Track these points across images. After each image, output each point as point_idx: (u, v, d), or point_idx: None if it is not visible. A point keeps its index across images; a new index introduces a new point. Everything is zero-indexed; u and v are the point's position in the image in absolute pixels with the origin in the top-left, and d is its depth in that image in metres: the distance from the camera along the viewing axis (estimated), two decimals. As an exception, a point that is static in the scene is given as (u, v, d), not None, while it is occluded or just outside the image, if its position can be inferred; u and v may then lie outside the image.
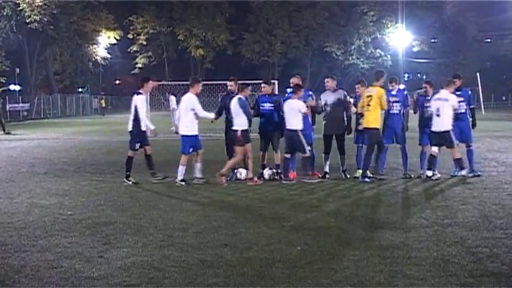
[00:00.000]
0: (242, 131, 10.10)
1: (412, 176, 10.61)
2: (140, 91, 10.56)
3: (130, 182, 10.26)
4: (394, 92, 10.79)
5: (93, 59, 64.56)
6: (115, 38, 65.84)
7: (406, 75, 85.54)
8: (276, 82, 23.24)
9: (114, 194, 9.22)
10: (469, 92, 11.01)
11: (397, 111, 10.63)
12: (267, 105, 10.71)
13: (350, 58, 71.42)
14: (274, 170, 10.71)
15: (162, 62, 74.01)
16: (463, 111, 10.66)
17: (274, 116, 10.66)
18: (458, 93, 10.66)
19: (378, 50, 71.06)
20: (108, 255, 5.68)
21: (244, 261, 5.42)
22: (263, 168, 10.83)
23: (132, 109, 10.38)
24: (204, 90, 37.03)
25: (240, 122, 10.10)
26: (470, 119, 10.88)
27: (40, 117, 48.43)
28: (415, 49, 67.15)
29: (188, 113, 10.23)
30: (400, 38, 63.31)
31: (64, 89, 59.97)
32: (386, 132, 10.75)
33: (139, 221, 7.17)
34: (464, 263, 5.27)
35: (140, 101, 10.37)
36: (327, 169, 10.70)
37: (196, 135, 10.39)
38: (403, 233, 6.43)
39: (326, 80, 11.08)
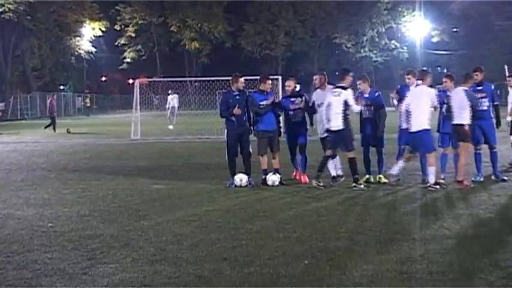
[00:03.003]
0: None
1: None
2: None
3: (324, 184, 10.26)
4: (412, 87, 10.77)
5: (76, 53, 64.77)
6: (100, 29, 66.05)
7: (425, 68, 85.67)
8: (280, 78, 23.43)
9: (101, 203, 9.22)
10: (492, 87, 10.93)
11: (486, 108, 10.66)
12: (266, 103, 10.75)
13: (362, 50, 71.49)
14: (278, 175, 10.72)
15: (153, 57, 74.27)
16: (485, 108, 10.62)
17: (273, 115, 10.78)
18: (479, 88, 10.65)
19: (392, 41, 71.10)
20: (94, 272, 5.68)
21: (245, 277, 5.42)
22: (265, 174, 10.83)
23: None
24: (200, 88, 37.26)
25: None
26: (495, 117, 10.83)
27: (17, 118, 48.58)
28: (435, 40, 67.01)
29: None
30: (417, 28, 63.37)
31: (43, 87, 60.00)
32: (403, 133, 10.74)
33: (129, 233, 7.18)
34: (492, 279, 5.26)
35: None
36: (334, 173, 10.70)
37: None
38: (422, 245, 6.42)
39: (314, 77, 11.20)
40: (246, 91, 11.12)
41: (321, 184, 10.22)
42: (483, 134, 10.64)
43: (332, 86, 10.84)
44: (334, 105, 10.21)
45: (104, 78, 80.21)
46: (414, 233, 6.96)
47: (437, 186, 9.88)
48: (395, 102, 10.94)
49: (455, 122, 10.16)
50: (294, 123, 11.01)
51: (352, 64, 72.81)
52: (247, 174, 10.74)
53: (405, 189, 10.16)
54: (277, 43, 72.04)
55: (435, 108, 10.39)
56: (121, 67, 71.83)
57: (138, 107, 25.12)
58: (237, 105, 10.58)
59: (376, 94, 11.05)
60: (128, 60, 72.09)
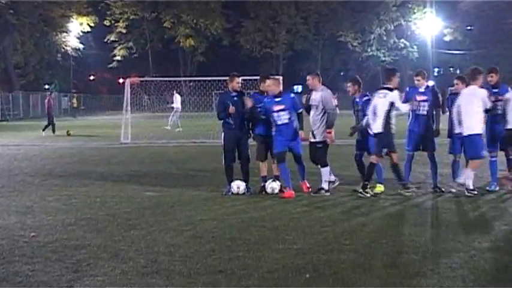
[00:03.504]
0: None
1: (444, 189, 10.60)
2: None
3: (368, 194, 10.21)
4: (422, 90, 10.79)
5: (62, 49, 64.84)
6: (88, 25, 66.18)
7: (436, 69, 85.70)
8: (281, 78, 23.41)
9: (87, 211, 9.21)
10: (509, 89, 10.90)
11: (425, 112, 10.63)
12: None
13: (369, 49, 71.63)
14: (278, 183, 10.72)
15: (144, 54, 74.33)
16: (500, 112, 10.64)
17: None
18: (495, 90, 10.67)
19: (402, 40, 71.25)
20: (79, 285, 5.68)
21: (242, 292, 5.41)
22: (264, 181, 10.83)
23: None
24: (195, 88, 37.31)
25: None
26: None
27: (-2, 120, 48.48)
28: (447, 38, 67.13)
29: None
30: (428, 26, 63.51)
31: (27, 86, 60.00)
32: (412, 137, 10.76)
33: (118, 244, 7.17)
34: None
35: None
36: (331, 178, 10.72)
37: None
38: (432, 258, 6.41)
39: (307, 78, 11.21)
40: (244, 92, 11.13)
41: (369, 193, 10.23)
42: (495, 140, 10.65)
43: (323, 87, 10.77)
44: (379, 108, 10.24)
45: (92, 77, 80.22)
46: (424, 245, 6.96)
47: (475, 192, 9.96)
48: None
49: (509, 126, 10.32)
50: (281, 126, 10.62)
51: (358, 64, 73.14)
52: (245, 181, 10.74)
53: (415, 198, 10.16)
54: (278, 41, 72.15)
55: (487, 110, 10.31)
56: (110, 65, 71.80)
57: (129, 108, 25.13)
58: (230, 105, 10.60)
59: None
60: (118, 58, 72.08)
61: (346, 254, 6.59)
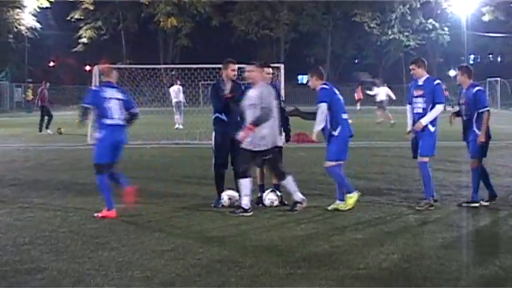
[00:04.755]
0: None
1: (463, 203, 10.67)
2: None
3: None
4: (420, 82, 10.77)
5: (15, 29, 64.54)
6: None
7: (472, 56, 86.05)
8: (282, 66, 23.44)
9: (45, 228, 9.20)
10: None
11: (420, 111, 10.58)
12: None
13: (389, 32, 71.84)
14: (279, 193, 10.73)
15: (117, 36, 74.33)
16: None
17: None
18: None
19: (430, 21, 71.44)
20: (36, 317, 5.66)
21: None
22: (262, 191, 10.85)
23: None
24: (178, 78, 37.24)
25: None
26: None
27: None
28: (486, 18, 67.02)
29: None
30: (463, 3, 63.38)
31: (-29, 74, 59.91)
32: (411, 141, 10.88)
33: (82, 267, 7.16)
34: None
35: None
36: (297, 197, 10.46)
37: None
38: None
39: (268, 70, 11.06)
40: (240, 83, 11.14)
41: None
42: None
43: (263, 83, 10.63)
44: None
45: (52, 64, 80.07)
46: (455, 271, 6.97)
47: None
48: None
49: None
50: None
51: (376, 50, 73.29)
52: (239, 191, 10.74)
53: (442, 212, 10.19)
54: (279, 21, 72.27)
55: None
56: (75, 49, 71.79)
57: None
58: (225, 91, 10.70)
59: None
60: (84, 40, 72.11)
61: (360, 281, 6.60)
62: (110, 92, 10.41)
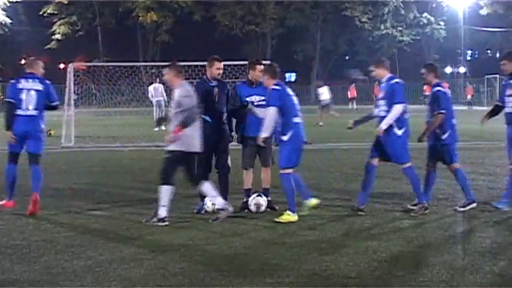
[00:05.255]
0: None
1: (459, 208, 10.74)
2: None
3: None
4: (382, 83, 10.85)
5: (-17, 25, 64.12)
6: (18, -8, 65.58)
7: (469, 52, 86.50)
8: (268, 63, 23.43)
9: (16, 237, 9.16)
10: None
11: (382, 114, 10.61)
12: (256, 99, 10.78)
13: (382, 27, 72.03)
14: (266, 198, 10.75)
15: (93, 32, 74.04)
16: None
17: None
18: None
19: (425, 15, 71.71)
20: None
21: None
22: (248, 196, 10.86)
23: None
24: (158, 76, 37.17)
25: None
26: None
27: None
28: (484, 12, 67.27)
29: None
30: (459, -4, 63.60)
31: None
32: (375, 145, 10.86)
33: (56, 278, 7.14)
34: None
35: None
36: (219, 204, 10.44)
37: None
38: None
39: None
40: (225, 82, 11.15)
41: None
42: None
43: (184, 82, 10.63)
44: None
45: (23, 62, 79.55)
46: (450, 277, 7.02)
47: None
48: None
49: None
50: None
51: (368, 45, 73.49)
52: (223, 196, 10.75)
53: (436, 217, 10.26)
54: (265, 15, 72.22)
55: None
56: (48, 46, 71.38)
57: (72, 102, 25.03)
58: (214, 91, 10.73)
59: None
60: (58, 36, 71.67)
61: (351, 290, 6.63)
62: (25, 83, 11.12)
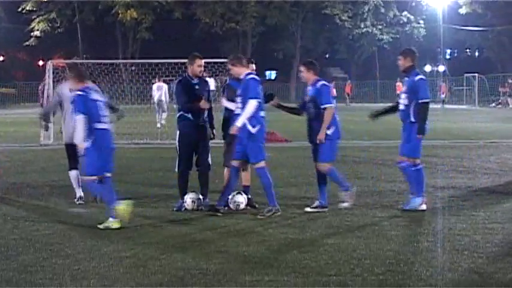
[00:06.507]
0: None
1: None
2: None
3: None
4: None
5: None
6: (-3, -11, 65.10)
7: (449, 50, 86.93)
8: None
9: (-5, 234, 9.14)
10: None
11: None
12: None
13: (362, 25, 72.19)
14: (246, 196, 10.76)
15: (72, 29, 73.57)
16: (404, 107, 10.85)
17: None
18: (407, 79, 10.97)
19: (404, 13, 72.01)
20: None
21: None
22: (228, 193, 10.86)
23: None
24: (138, 73, 37.11)
25: None
26: None
27: None
28: (463, 11, 67.54)
29: None
30: (438, -6, 63.90)
31: None
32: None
33: (35, 276, 7.10)
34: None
35: None
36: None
37: None
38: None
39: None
40: (207, 79, 11.14)
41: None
42: None
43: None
44: None
45: (1, 58, 79.13)
46: (430, 276, 7.06)
47: None
48: None
49: None
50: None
51: (348, 44, 73.70)
52: (203, 194, 10.75)
53: (416, 216, 10.30)
54: (245, 13, 72.08)
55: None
56: (27, 43, 70.93)
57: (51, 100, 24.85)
58: (202, 97, 10.70)
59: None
60: (37, 33, 71.13)
61: (331, 288, 6.65)
62: None
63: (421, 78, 10.70)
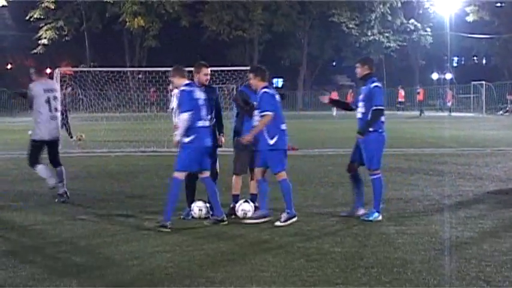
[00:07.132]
0: None
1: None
2: None
3: None
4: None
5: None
6: (5, -2, 65.38)
7: (456, 58, 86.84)
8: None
9: (1, 243, 9.14)
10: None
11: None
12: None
13: (369, 33, 72.20)
14: (253, 204, 10.74)
15: (79, 37, 73.82)
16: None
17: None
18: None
19: (411, 21, 71.96)
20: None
21: None
22: (235, 201, 10.86)
23: None
24: (145, 81, 37.22)
25: None
26: None
27: None
28: (470, 19, 67.60)
29: None
30: (446, 2, 63.90)
31: None
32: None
33: (42, 284, 7.12)
34: None
35: None
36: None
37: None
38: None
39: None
40: (214, 87, 11.16)
41: None
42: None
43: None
44: None
45: (9, 66, 79.41)
46: (439, 285, 7.06)
47: None
48: None
49: None
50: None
51: (355, 51, 73.63)
52: (210, 202, 10.74)
53: (424, 223, 10.27)
54: (252, 21, 72.21)
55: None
56: (34, 51, 71.16)
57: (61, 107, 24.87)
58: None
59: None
60: (45, 41, 71.41)
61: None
62: None
63: (377, 86, 10.82)
